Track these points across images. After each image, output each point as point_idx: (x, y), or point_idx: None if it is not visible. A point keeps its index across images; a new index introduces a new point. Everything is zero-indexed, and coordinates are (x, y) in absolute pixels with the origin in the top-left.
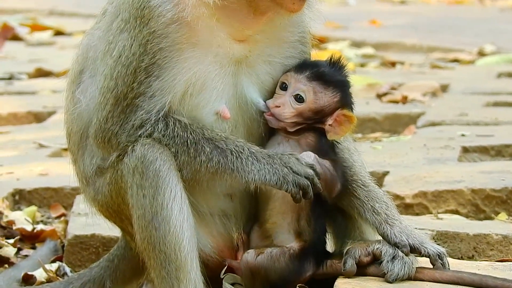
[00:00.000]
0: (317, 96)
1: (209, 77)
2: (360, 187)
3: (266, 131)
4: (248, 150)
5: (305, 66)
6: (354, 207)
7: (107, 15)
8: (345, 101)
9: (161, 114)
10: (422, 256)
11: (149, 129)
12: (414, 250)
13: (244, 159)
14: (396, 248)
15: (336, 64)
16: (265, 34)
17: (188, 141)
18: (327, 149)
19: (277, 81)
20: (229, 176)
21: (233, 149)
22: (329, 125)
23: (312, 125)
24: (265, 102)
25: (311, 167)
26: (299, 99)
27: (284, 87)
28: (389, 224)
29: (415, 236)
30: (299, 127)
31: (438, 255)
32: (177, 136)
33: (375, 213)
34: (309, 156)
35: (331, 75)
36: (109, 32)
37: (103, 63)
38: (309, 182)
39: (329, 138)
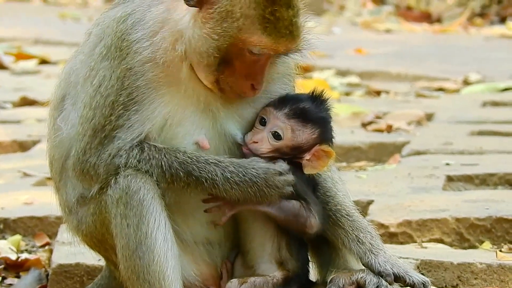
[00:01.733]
0: (295, 134)
1: (187, 111)
2: (344, 217)
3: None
4: (222, 175)
5: (285, 102)
6: (338, 236)
7: (91, 38)
8: (324, 137)
9: (135, 141)
10: (407, 285)
11: (124, 156)
12: (399, 279)
13: (221, 187)
14: (380, 278)
15: (317, 99)
16: None
17: (163, 164)
18: (304, 182)
19: (259, 110)
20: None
21: (207, 177)
22: (306, 159)
23: (289, 159)
24: (243, 135)
25: (289, 171)
26: (277, 136)
27: (263, 122)
28: (374, 254)
29: (399, 265)
30: (276, 159)
31: (423, 284)
32: (152, 159)
33: (360, 242)
34: (283, 165)
35: (310, 113)
36: (91, 57)
37: (83, 89)
38: (291, 189)
39: (306, 172)
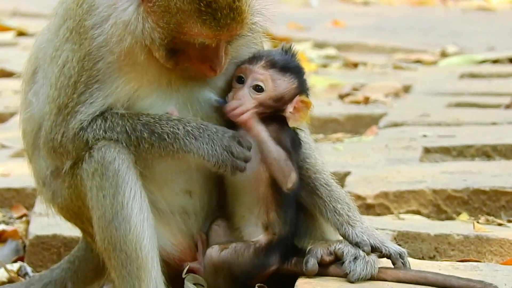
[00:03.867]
0: (276, 83)
1: (153, 87)
2: (323, 186)
3: (224, 126)
4: (184, 128)
5: (258, 57)
6: (316, 206)
7: (57, 18)
8: (302, 87)
9: (97, 113)
10: (383, 255)
11: (88, 129)
12: (375, 250)
13: (181, 140)
14: (358, 249)
15: (288, 52)
16: None
17: (127, 129)
18: (288, 139)
19: (228, 77)
20: (171, 158)
21: (169, 132)
22: (290, 112)
23: (273, 114)
24: (221, 98)
25: (250, 149)
26: (258, 89)
27: (241, 80)
28: (351, 225)
29: (376, 236)
30: (260, 117)
31: (400, 254)
32: (117, 126)
33: (337, 213)
34: (248, 140)
35: (287, 62)
36: (56, 38)
37: (50, 69)
38: (245, 165)
39: (290, 125)
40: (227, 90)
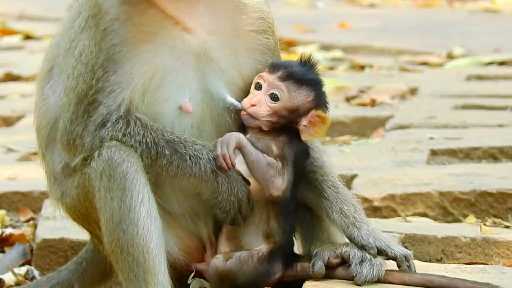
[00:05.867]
0: (292, 95)
1: (168, 71)
2: (330, 188)
3: (236, 128)
4: (207, 156)
5: (277, 67)
6: (323, 208)
7: (71, 13)
8: (319, 101)
9: (122, 111)
10: (389, 258)
11: (110, 128)
12: (381, 252)
13: (202, 166)
14: (364, 251)
15: (307, 63)
16: (217, 23)
17: (149, 141)
18: (291, 152)
19: (245, 76)
20: (186, 181)
21: (192, 154)
22: (303, 125)
23: (286, 125)
24: (236, 101)
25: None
26: (274, 97)
27: (258, 87)
28: (357, 227)
29: (382, 239)
30: (273, 126)
31: (405, 257)
32: (138, 135)
33: (343, 215)
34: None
35: (303, 75)
36: (71, 30)
37: (66, 61)
38: (242, 223)
39: (303, 138)
40: (242, 89)
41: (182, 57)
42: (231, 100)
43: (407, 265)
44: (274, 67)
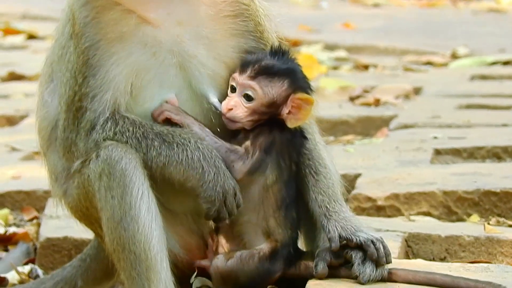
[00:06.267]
0: (265, 90)
1: (146, 69)
2: (311, 175)
3: (222, 125)
4: (195, 144)
5: (246, 65)
6: (305, 194)
7: (63, 17)
8: (295, 86)
9: (108, 113)
10: (354, 245)
11: (100, 130)
12: (346, 241)
13: (189, 153)
14: (366, 251)
15: (277, 53)
16: (186, 12)
17: (138, 136)
18: (267, 141)
19: (230, 65)
20: (174, 168)
21: (179, 142)
22: (286, 113)
23: (270, 119)
24: (218, 102)
25: (238, 207)
26: (248, 97)
27: (233, 89)
28: (327, 217)
29: (350, 227)
30: (257, 123)
31: (372, 241)
32: (127, 131)
33: (317, 205)
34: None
35: (272, 67)
36: (62, 36)
37: (59, 68)
38: (227, 218)
39: (290, 125)
40: (228, 80)
41: (157, 54)
42: (214, 100)
43: (375, 249)
44: (243, 67)
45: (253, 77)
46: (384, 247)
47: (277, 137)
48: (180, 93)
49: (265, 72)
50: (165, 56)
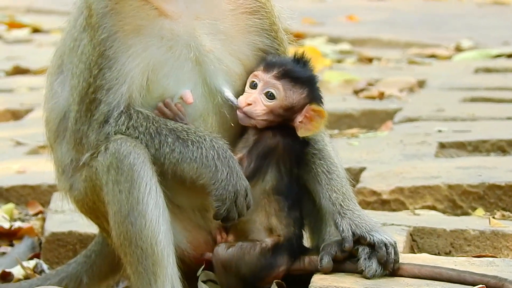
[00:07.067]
0: (287, 93)
1: (162, 63)
2: (324, 173)
3: (235, 121)
4: (210, 142)
5: (272, 65)
6: (316, 193)
7: (75, 9)
8: (313, 97)
9: (122, 106)
10: (367, 244)
11: (113, 124)
12: (361, 239)
13: (203, 150)
14: (374, 246)
15: (300, 61)
16: (204, 6)
17: (152, 131)
18: (292, 148)
19: (244, 62)
20: (187, 165)
21: (194, 140)
22: (299, 122)
23: (282, 123)
24: (233, 97)
25: (248, 209)
26: (270, 96)
27: (254, 86)
28: (341, 215)
29: (364, 225)
30: (269, 125)
31: (385, 244)
32: (141, 126)
33: (331, 202)
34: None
35: (297, 73)
36: (74, 28)
37: (70, 60)
38: (236, 219)
39: (300, 134)
40: (243, 76)
41: (174, 48)
42: (229, 95)
43: (386, 253)
44: (269, 66)
45: (278, 78)
46: (395, 253)
47: (280, 142)
48: (195, 88)
49: (289, 76)
50: (181, 51)
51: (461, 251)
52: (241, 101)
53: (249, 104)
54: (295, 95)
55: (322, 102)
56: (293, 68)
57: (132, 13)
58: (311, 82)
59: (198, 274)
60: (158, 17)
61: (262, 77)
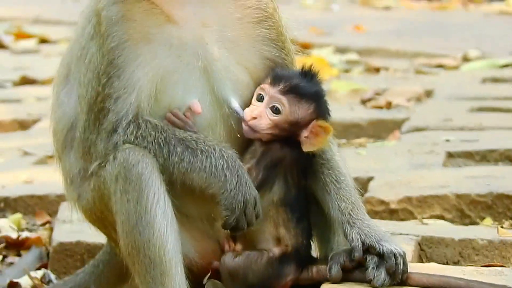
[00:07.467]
0: (293, 109)
1: (170, 72)
2: (333, 183)
3: (242, 132)
4: (219, 151)
5: (278, 79)
6: (325, 202)
7: (82, 19)
8: (319, 112)
9: (130, 115)
10: (377, 253)
11: (121, 133)
12: (370, 248)
13: (213, 159)
14: (383, 256)
15: (308, 74)
16: (212, 14)
17: (160, 141)
18: (299, 160)
19: (251, 71)
20: (196, 175)
21: (203, 149)
22: (304, 137)
23: (287, 138)
24: (240, 108)
25: (257, 219)
26: (275, 110)
27: (260, 98)
28: (350, 225)
29: (373, 235)
30: (274, 139)
31: (394, 254)
32: (150, 136)
33: (340, 212)
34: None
35: (304, 88)
36: (82, 37)
37: (78, 69)
38: (244, 229)
39: (305, 149)
40: (250, 85)
41: (182, 57)
42: (235, 106)
43: (394, 263)
44: (276, 79)
45: (284, 92)
46: (404, 263)
47: (288, 154)
48: (202, 97)
49: (295, 92)
50: (190, 59)
51: (469, 261)
52: (247, 114)
53: (254, 118)
54: (301, 111)
55: (329, 116)
56: (299, 83)
57: (141, 19)
58: (318, 97)
59: (204, 282)
60: (166, 23)
61: (269, 90)
